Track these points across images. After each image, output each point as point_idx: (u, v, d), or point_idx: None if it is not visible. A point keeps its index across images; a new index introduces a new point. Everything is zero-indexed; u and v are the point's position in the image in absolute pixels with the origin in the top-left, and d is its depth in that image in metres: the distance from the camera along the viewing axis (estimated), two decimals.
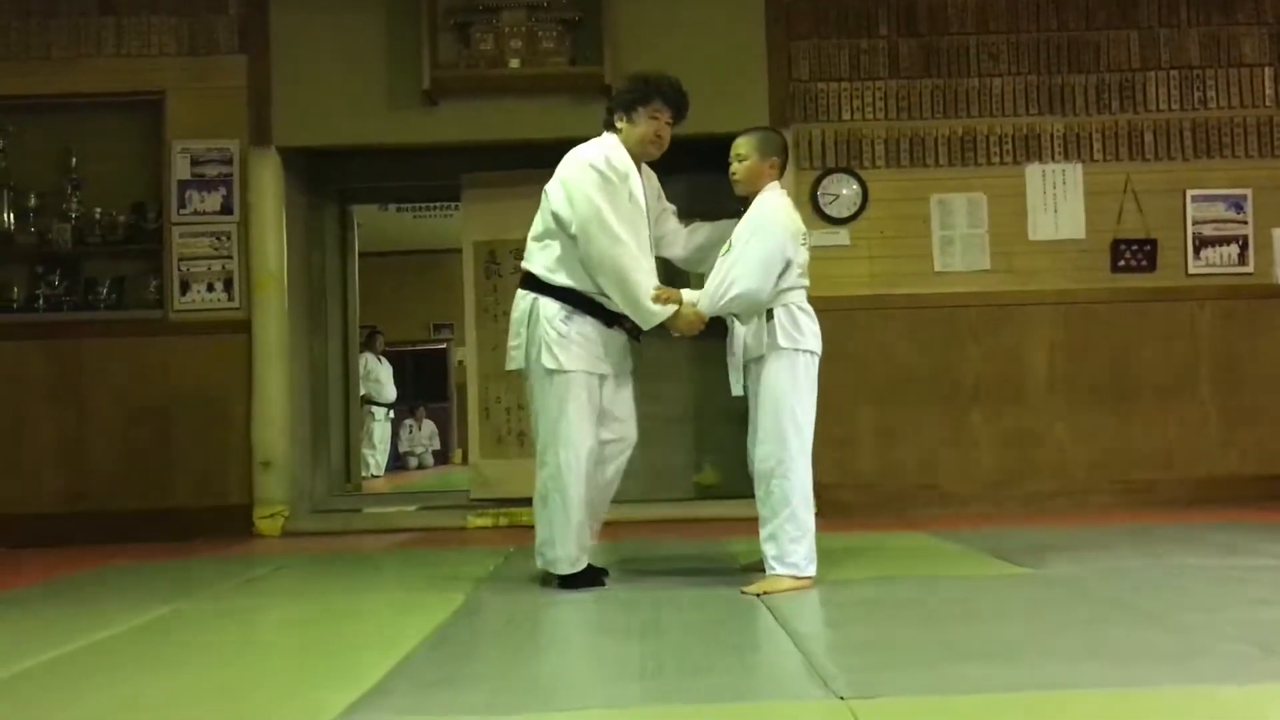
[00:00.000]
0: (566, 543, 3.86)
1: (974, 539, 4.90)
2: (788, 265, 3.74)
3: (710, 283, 3.80)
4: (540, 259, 3.93)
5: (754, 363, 3.83)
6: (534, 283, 3.92)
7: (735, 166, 3.90)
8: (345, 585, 4.51)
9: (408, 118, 6.38)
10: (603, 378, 3.92)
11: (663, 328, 3.87)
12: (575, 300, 3.87)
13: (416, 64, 6.25)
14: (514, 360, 3.96)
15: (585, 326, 3.87)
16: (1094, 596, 3.56)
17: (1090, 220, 6.47)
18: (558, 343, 3.83)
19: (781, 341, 3.75)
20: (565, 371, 3.83)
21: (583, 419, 3.84)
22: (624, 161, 3.89)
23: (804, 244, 3.84)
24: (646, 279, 3.82)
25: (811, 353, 3.80)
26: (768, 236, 3.74)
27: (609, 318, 3.91)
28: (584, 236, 3.80)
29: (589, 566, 3.95)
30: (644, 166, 4.04)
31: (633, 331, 3.99)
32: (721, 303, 3.76)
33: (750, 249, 3.73)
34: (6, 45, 6.38)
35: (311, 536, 6.24)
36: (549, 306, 3.86)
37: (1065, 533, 5.16)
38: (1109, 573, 3.95)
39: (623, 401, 4.03)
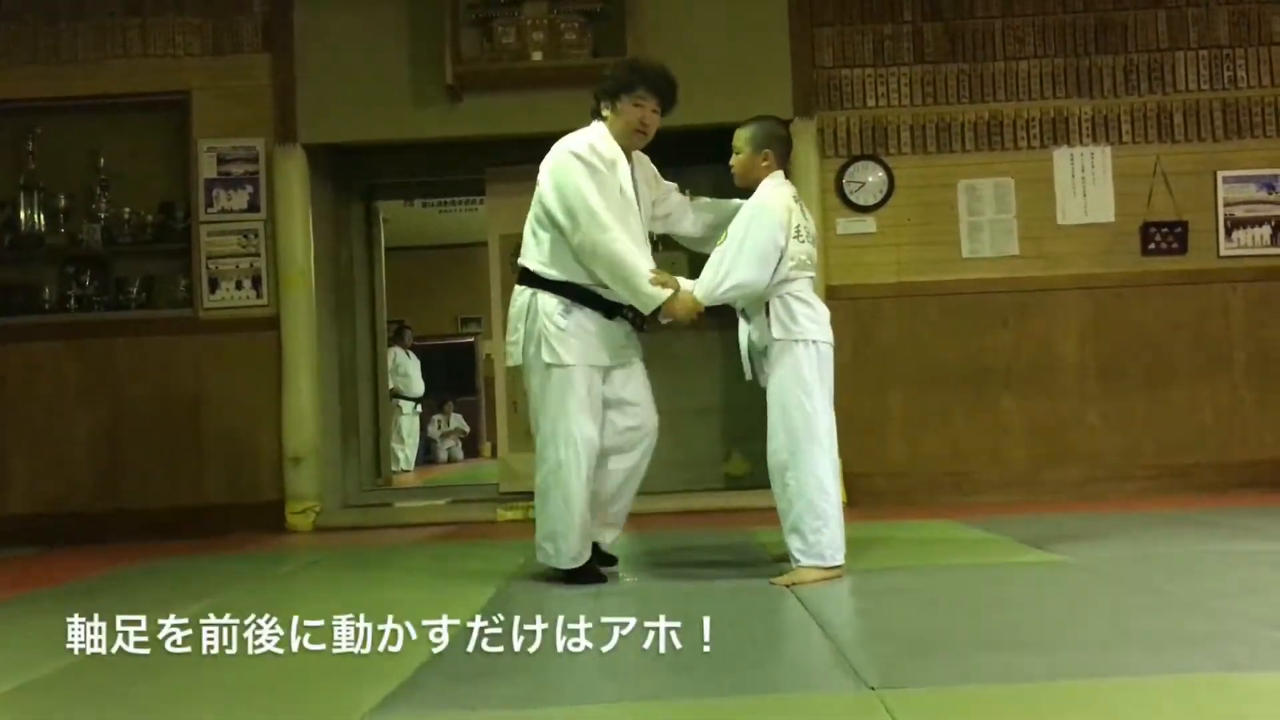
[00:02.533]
0: (569, 538, 3.84)
1: (1005, 526, 4.87)
2: (781, 256, 3.71)
3: (706, 272, 3.77)
4: (534, 253, 3.89)
5: (762, 357, 3.84)
6: (531, 277, 3.89)
7: (733, 159, 3.92)
8: (377, 580, 4.53)
9: (431, 112, 6.39)
10: (606, 369, 3.90)
11: (656, 315, 3.84)
12: (572, 293, 3.83)
13: (439, 59, 6.26)
14: (512, 356, 3.94)
15: (584, 319, 3.83)
16: (1127, 583, 3.53)
17: (1120, 203, 6.40)
18: (556, 337, 3.79)
19: (776, 333, 3.74)
20: (565, 366, 3.79)
21: (583, 413, 3.81)
22: (610, 149, 3.83)
23: (801, 237, 3.76)
24: (642, 262, 3.77)
25: (813, 341, 3.75)
26: (761, 228, 3.72)
27: (609, 309, 3.88)
28: (572, 225, 3.75)
29: (590, 563, 3.92)
30: (636, 154, 3.98)
31: (635, 321, 3.95)
32: (718, 292, 3.73)
33: (746, 241, 3.71)
34: (34, 49, 6.42)
35: (343, 531, 6.27)
36: (547, 301, 3.83)
37: (1098, 519, 5.12)
38: (1142, 559, 3.92)
39: (634, 388, 3.99)
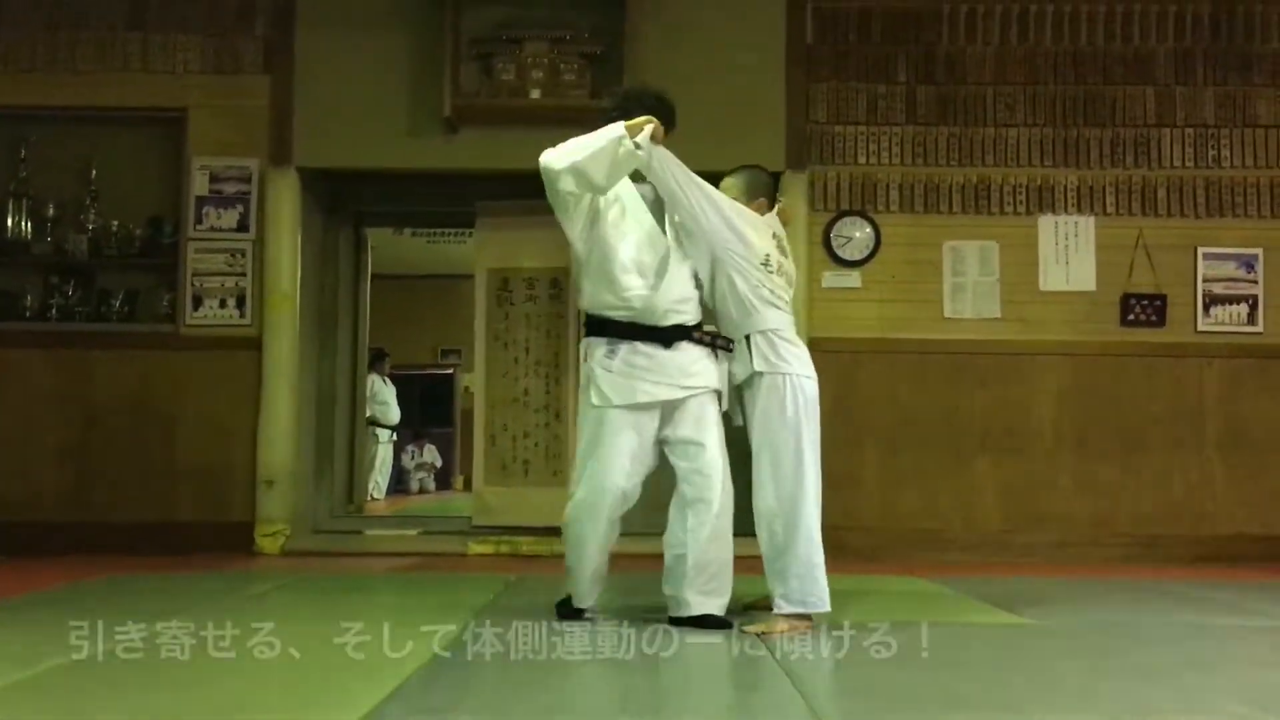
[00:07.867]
0: (576, 575, 3.84)
1: (975, 586, 4.88)
2: (710, 233, 3.72)
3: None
4: (583, 296, 3.88)
5: (745, 391, 3.81)
6: (587, 324, 3.89)
7: None
8: (342, 608, 4.49)
9: (427, 144, 6.43)
10: (666, 405, 3.73)
11: (716, 340, 3.83)
12: (617, 330, 3.75)
13: (438, 91, 6.30)
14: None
15: (633, 356, 3.71)
16: (1094, 650, 3.55)
17: (1101, 273, 6.48)
18: (602, 377, 3.73)
19: (758, 365, 3.73)
20: (606, 407, 3.71)
21: (613, 457, 3.71)
22: None
23: (770, 267, 3.78)
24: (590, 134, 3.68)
25: (797, 375, 3.73)
26: (719, 195, 3.78)
27: (665, 337, 3.73)
28: (549, 177, 3.70)
29: (583, 609, 3.88)
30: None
31: (714, 343, 3.80)
32: (658, 156, 3.67)
33: (706, 188, 3.76)
34: (33, 57, 6.43)
35: (311, 556, 6.22)
36: (594, 343, 3.81)
37: (1067, 584, 5.14)
38: (1110, 626, 3.94)
39: (693, 425, 3.73)
